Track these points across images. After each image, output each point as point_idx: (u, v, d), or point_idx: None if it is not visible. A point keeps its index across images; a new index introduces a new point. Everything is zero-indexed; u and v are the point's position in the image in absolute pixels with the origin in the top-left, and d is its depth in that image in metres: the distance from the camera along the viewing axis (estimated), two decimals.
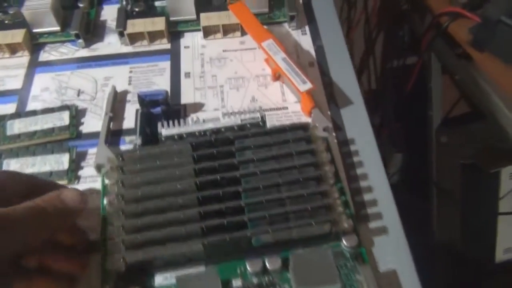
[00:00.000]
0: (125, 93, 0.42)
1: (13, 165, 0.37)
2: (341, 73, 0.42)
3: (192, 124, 0.36)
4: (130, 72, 0.43)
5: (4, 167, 0.37)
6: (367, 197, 0.35)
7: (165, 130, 0.35)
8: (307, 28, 0.46)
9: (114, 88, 0.41)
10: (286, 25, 0.46)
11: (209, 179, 0.32)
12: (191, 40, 0.46)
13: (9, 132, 0.39)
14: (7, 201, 0.26)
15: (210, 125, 0.35)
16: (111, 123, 0.40)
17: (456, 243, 0.95)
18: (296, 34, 0.45)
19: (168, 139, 0.35)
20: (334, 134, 0.38)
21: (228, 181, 0.32)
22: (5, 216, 0.25)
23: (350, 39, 0.99)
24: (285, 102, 0.41)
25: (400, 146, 1.14)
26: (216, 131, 0.35)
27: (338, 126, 0.39)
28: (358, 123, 0.39)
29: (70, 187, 0.33)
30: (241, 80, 0.42)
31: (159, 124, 0.36)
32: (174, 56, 0.44)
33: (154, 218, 0.31)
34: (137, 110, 0.40)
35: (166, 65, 0.44)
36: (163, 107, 0.39)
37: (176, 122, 0.36)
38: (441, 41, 0.81)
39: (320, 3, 0.48)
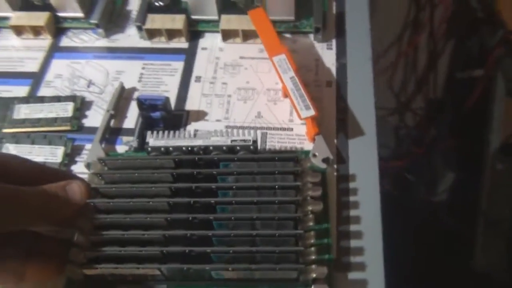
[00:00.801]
0: (132, 90, 0.41)
1: (10, 150, 0.37)
2: (360, 99, 0.39)
3: (182, 138, 0.34)
4: (143, 68, 0.43)
5: (3, 151, 0.37)
6: (354, 243, 0.32)
7: (153, 140, 0.34)
8: (334, 42, 0.42)
9: (121, 84, 0.41)
10: (312, 36, 0.43)
11: (182, 202, 0.31)
12: (210, 42, 0.44)
13: (15, 116, 0.39)
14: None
15: (199, 142, 0.34)
16: (112, 121, 0.39)
17: (499, 276, 0.89)
18: (320, 48, 0.42)
19: (154, 150, 0.34)
20: (335, 166, 0.36)
21: (202, 207, 0.31)
22: (16, 194, 0.27)
23: (414, 43, 0.93)
24: (292, 123, 0.38)
25: (452, 164, 1.06)
26: (204, 149, 0.34)
27: (342, 158, 0.36)
28: (365, 158, 0.36)
29: None
30: (251, 92, 0.40)
31: (148, 133, 0.34)
32: (189, 57, 0.43)
33: (119, 234, 0.30)
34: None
35: (179, 65, 0.42)
36: (162, 113, 0.37)
37: (166, 132, 0.34)
38: (509, 60, 0.73)
39: (355, 16, 0.44)
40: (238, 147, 0.33)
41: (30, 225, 0.29)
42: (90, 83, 0.42)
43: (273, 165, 0.32)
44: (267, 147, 0.37)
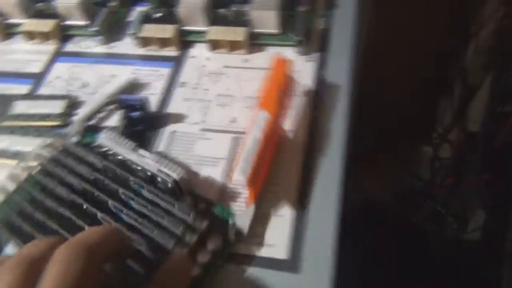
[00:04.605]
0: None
1: (2, 141, 0.41)
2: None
3: (124, 147, 0.35)
4: (133, 74, 0.45)
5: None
6: None
7: (102, 138, 0.36)
8: (316, 56, 0.44)
9: (129, 79, 0.43)
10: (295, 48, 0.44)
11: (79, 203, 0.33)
12: (199, 51, 0.46)
13: (13, 111, 0.43)
14: None
15: (134, 157, 0.34)
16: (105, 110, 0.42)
17: None
18: (300, 60, 0.43)
19: (99, 147, 0.36)
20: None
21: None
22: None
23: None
24: None
25: (484, 201, 1.01)
26: (136, 165, 0.34)
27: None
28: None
29: None
30: (230, 98, 0.42)
31: (105, 130, 0.37)
32: (177, 64, 0.45)
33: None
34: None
35: (167, 71, 0.45)
36: (141, 113, 0.40)
37: (118, 136, 0.36)
38: None
39: (340, 33, 0.45)
40: (159, 178, 0.33)
41: None
42: (84, 85, 0.45)
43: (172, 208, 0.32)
44: (238, 152, 0.38)
